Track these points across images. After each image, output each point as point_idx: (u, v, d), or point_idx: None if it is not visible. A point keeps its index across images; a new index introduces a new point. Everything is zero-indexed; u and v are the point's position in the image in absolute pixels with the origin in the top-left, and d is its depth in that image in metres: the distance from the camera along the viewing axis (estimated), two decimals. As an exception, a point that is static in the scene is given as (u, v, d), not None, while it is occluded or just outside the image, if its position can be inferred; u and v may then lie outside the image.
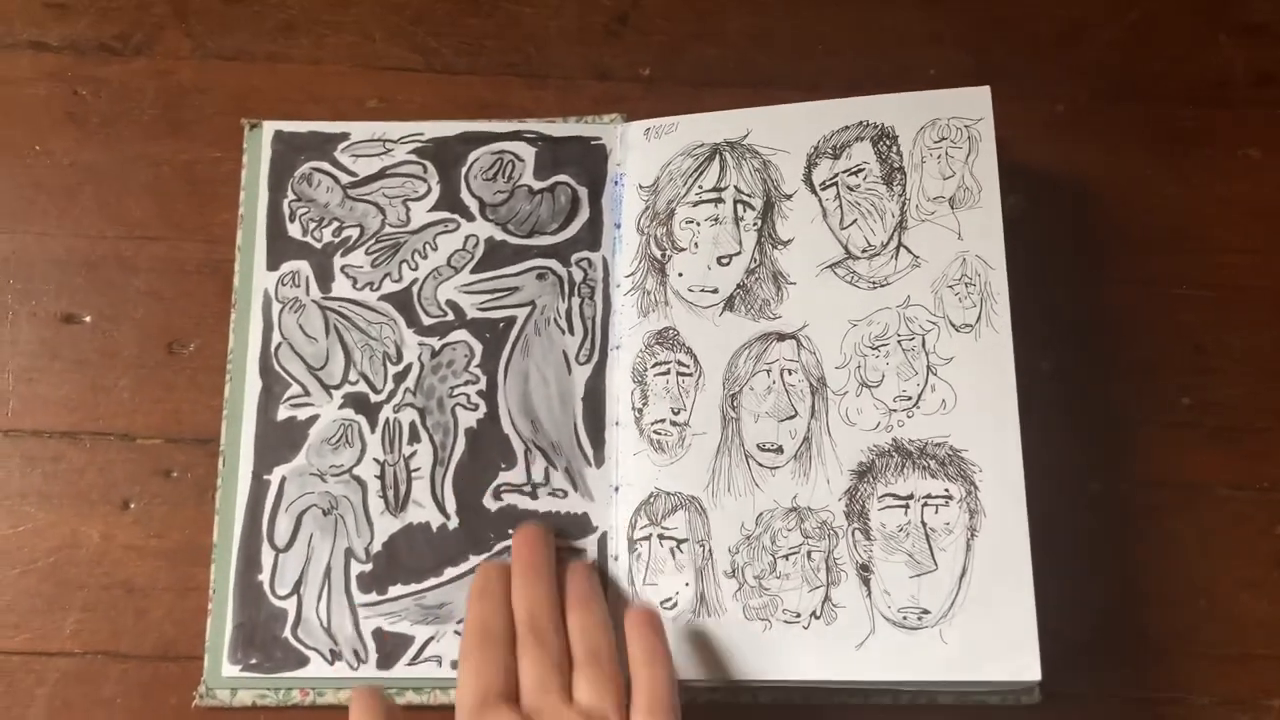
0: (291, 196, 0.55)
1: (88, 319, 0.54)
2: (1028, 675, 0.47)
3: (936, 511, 0.49)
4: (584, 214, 0.55)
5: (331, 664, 0.50)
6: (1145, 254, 0.57)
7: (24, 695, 0.50)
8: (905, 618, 0.48)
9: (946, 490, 0.49)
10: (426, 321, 0.54)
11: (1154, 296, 0.56)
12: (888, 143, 0.54)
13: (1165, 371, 0.55)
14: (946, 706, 0.51)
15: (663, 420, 0.52)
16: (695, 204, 0.54)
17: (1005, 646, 0.47)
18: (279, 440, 0.53)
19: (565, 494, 0.52)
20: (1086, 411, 0.55)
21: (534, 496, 0.52)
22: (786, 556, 0.49)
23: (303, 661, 0.51)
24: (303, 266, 0.55)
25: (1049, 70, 0.60)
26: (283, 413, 0.53)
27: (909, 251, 0.52)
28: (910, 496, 0.50)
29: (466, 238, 0.55)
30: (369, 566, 0.52)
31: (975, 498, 0.49)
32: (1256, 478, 0.54)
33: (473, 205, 0.55)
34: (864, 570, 0.49)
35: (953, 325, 0.51)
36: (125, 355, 0.54)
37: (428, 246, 0.55)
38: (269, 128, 0.56)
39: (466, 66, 0.59)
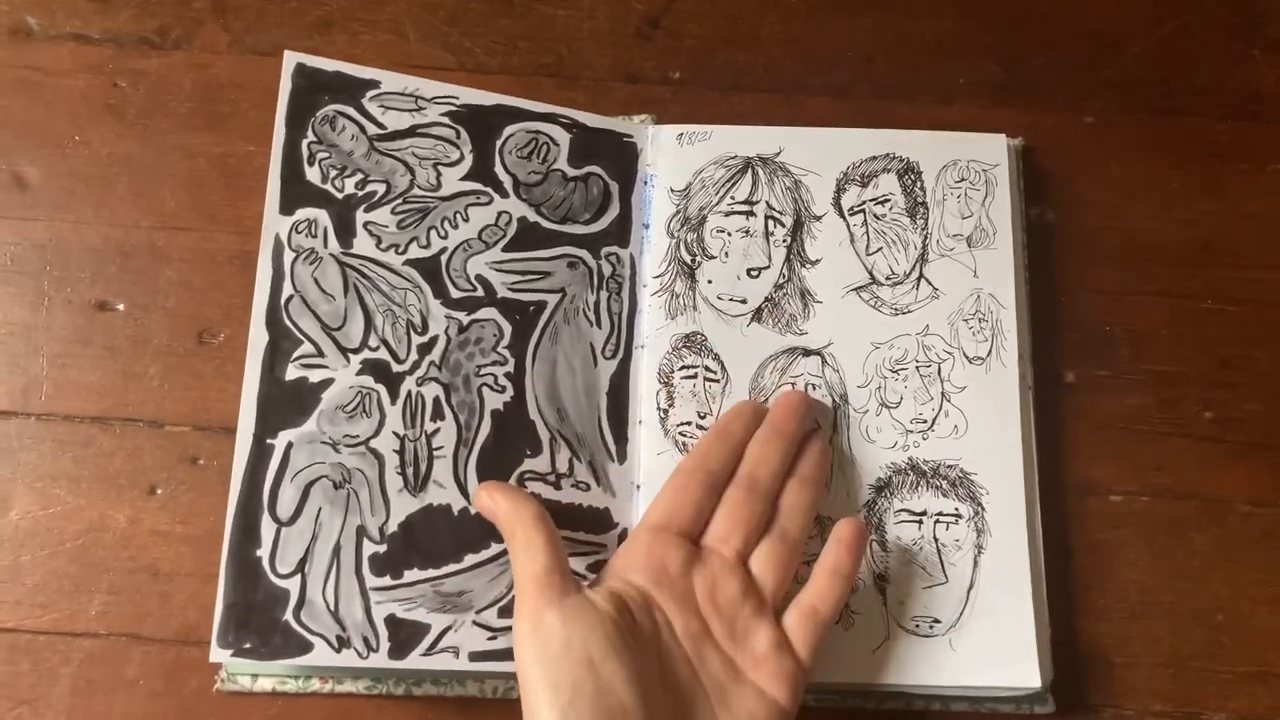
0: (312, 138, 0.52)
1: (120, 307, 0.55)
2: (1029, 683, 0.49)
3: (947, 528, 0.51)
4: (614, 209, 0.55)
5: (338, 651, 0.47)
6: (1172, 267, 0.57)
7: (49, 674, 0.51)
8: (918, 626, 0.49)
9: (957, 510, 0.51)
10: (455, 294, 0.52)
11: (1180, 310, 0.56)
12: (912, 177, 0.55)
13: (1189, 385, 0.55)
14: (960, 714, 0.51)
15: (689, 423, 0.52)
16: (727, 214, 0.54)
17: (1009, 656, 0.49)
18: (286, 402, 0.49)
19: (588, 487, 0.51)
20: (1108, 423, 0.55)
21: (557, 487, 0.50)
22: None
23: (305, 648, 0.47)
24: (321, 215, 0.52)
25: (1080, 82, 0.59)
26: (292, 372, 0.49)
27: (929, 283, 0.54)
28: (924, 513, 0.51)
29: (499, 214, 0.53)
30: (383, 548, 0.48)
31: (983, 518, 0.51)
32: (1278, 495, 0.54)
33: (506, 181, 0.54)
34: (880, 580, 0.50)
35: (966, 357, 0.53)
36: (156, 344, 0.55)
37: (459, 216, 0.53)
38: (290, 59, 0.53)
39: (499, 66, 0.59)
